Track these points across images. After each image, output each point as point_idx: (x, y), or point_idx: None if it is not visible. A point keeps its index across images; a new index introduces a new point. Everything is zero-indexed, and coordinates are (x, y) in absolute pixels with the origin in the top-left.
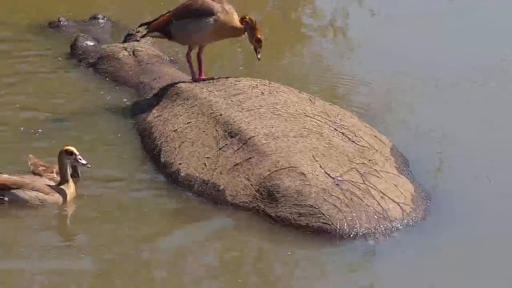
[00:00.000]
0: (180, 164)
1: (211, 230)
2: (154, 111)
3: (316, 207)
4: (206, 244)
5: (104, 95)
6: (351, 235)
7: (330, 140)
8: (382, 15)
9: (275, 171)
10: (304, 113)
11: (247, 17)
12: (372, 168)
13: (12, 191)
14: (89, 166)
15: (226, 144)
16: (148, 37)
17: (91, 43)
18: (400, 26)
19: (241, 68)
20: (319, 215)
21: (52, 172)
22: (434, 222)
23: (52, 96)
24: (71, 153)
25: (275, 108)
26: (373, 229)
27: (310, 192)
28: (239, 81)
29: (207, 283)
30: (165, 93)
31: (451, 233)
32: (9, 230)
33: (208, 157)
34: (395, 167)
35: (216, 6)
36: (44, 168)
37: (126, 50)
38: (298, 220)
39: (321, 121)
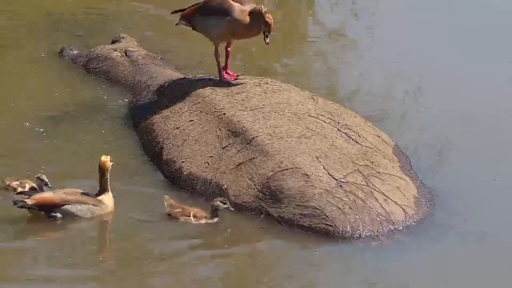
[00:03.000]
0: (182, 162)
1: (211, 229)
2: (154, 109)
3: (319, 208)
4: (205, 243)
5: (100, 95)
6: (354, 237)
7: (333, 141)
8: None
9: (279, 171)
10: (307, 112)
11: (253, 7)
12: (375, 170)
13: (63, 207)
14: (232, 208)
15: (229, 144)
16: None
17: (76, 51)
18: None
19: (240, 68)
20: (322, 217)
21: (189, 215)
22: (437, 223)
23: (48, 97)
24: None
25: (279, 107)
26: (376, 231)
27: (313, 193)
28: (241, 79)
29: (207, 282)
30: (165, 91)
31: (454, 235)
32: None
33: (211, 156)
34: (398, 167)
35: (233, 6)
36: (180, 210)
37: (117, 50)
38: (301, 221)
39: (325, 121)
